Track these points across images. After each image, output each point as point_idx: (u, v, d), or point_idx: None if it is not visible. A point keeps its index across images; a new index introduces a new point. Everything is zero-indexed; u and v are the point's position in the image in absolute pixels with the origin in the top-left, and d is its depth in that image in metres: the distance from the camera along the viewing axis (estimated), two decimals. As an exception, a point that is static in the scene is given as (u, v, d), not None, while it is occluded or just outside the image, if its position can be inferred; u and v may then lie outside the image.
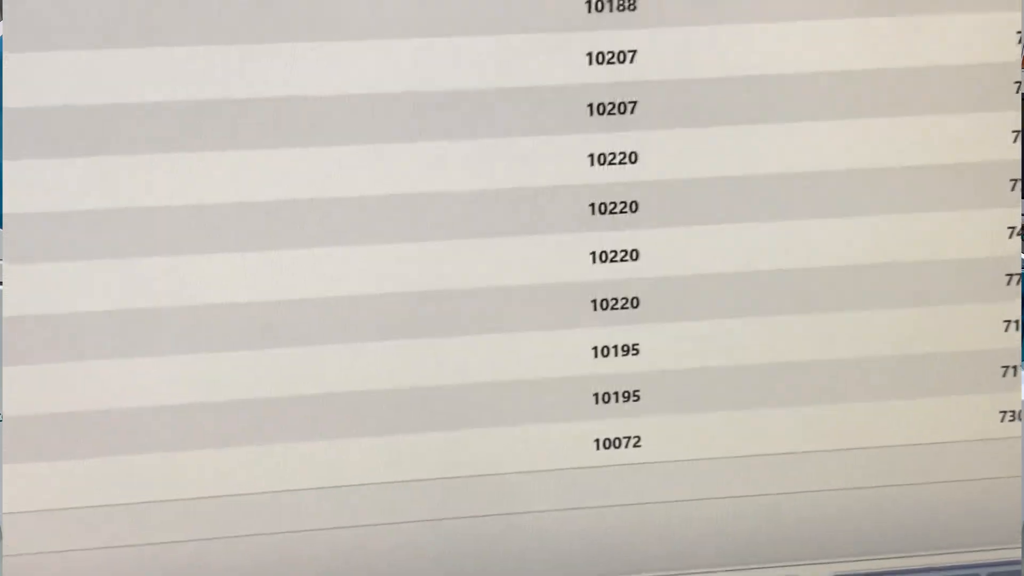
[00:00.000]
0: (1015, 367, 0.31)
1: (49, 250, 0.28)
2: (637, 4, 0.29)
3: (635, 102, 0.29)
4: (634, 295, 0.30)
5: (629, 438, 0.31)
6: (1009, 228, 0.30)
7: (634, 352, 0.30)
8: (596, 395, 0.31)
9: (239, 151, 0.28)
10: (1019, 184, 0.30)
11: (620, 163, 0.30)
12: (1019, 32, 0.30)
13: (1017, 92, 0.30)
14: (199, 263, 0.29)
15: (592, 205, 0.30)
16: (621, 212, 0.30)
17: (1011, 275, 0.31)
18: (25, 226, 0.28)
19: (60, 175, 0.28)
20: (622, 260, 0.30)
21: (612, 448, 0.31)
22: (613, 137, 0.29)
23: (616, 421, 0.31)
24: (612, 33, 0.29)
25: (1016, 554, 0.32)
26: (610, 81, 0.29)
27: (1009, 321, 0.31)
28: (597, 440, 0.31)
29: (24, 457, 0.29)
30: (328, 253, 0.29)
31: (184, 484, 0.30)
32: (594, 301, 0.30)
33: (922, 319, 0.31)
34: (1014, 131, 0.30)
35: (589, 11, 0.29)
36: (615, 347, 0.30)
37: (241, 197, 0.29)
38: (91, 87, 0.28)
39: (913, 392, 0.31)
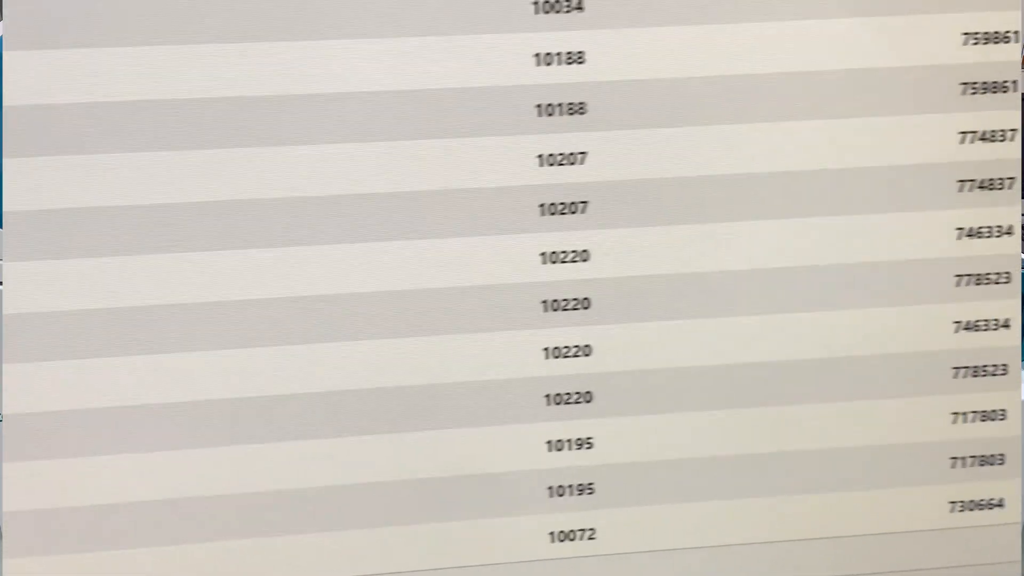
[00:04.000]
0: (963, 458, 0.31)
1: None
2: (587, 108, 0.30)
3: (586, 202, 0.30)
4: (587, 389, 0.31)
5: (584, 530, 0.31)
6: (955, 323, 0.31)
7: (588, 446, 0.31)
8: (551, 488, 0.31)
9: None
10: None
11: (572, 261, 0.30)
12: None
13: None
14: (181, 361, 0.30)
15: (544, 302, 0.30)
16: (574, 308, 0.30)
17: (957, 368, 0.31)
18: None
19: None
20: (575, 356, 0.31)
21: (567, 541, 0.31)
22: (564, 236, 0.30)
23: (571, 514, 0.31)
24: (562, 136, 0.30)
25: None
26: (560, 182, 0.30)
27: (957, 413, 0.31)
28: (552, 533, 0.31)
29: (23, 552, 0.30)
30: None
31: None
32: (547, 396, 0.31)
33: (868, 411, 0.31)
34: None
35: (539, 115, 0.30)
36: (568, 440, 0.31)
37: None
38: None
39: (864, 484, 0.31)
